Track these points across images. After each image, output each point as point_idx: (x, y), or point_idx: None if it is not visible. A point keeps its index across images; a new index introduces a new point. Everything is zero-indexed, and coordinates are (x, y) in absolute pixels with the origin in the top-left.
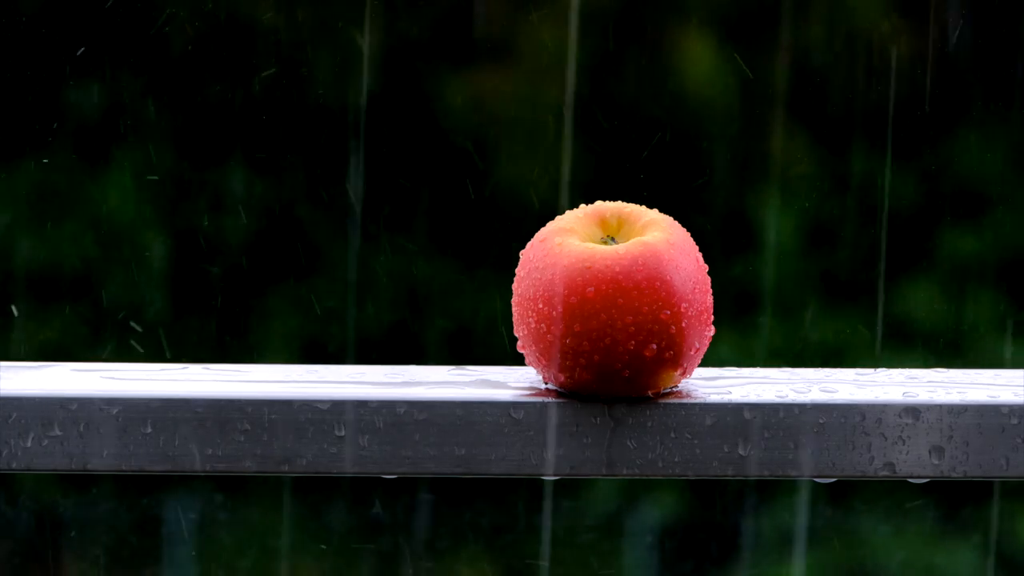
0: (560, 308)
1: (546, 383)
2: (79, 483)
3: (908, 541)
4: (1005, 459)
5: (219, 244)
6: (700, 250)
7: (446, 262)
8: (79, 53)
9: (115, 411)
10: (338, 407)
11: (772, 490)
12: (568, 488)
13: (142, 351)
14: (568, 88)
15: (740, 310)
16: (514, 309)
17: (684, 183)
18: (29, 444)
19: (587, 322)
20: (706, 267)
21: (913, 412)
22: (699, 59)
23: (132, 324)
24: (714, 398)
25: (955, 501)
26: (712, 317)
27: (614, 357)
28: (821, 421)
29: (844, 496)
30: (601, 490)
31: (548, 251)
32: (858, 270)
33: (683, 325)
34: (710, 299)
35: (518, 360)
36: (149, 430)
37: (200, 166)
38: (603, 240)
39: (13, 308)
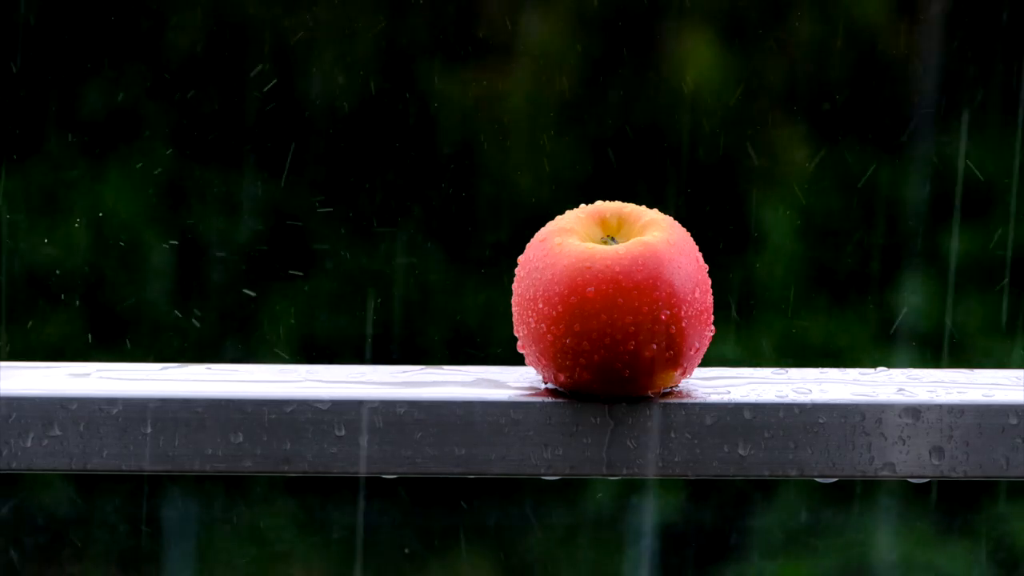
0: (560, 308)
1: (546, 383)
2: (80, 483)
3: (908, 541)
4: (1005, 459)
5: (219, 244)
6: (700, 250)
7: (446, 262)
8: (81, 54)
9: (115, 411)
10: (338, 407)
11: (772, 490)
12: (568, 488)
13: (142, 351)
14: (568, 87)
15: (740, 310)
16: (514, 309)
17: (684, 182)
18: (29, 444)
19: (587, 322)
20: (706, 267)
21: (913, 412)
22: (698, 57)
23: (132, 324)
24: (714, 398)
25: (955, 501)
26: (712, 317)
27: (614, 357)
28: (821, 421)
29: (844, 496)
30: (601, 490)
31: (548, 251)
32: (858, 269)
33: (683, 325)
34: (710, 299)
35: (518, 360)
36: (149, 430)
37: (200, 166)
38: (603, 240)
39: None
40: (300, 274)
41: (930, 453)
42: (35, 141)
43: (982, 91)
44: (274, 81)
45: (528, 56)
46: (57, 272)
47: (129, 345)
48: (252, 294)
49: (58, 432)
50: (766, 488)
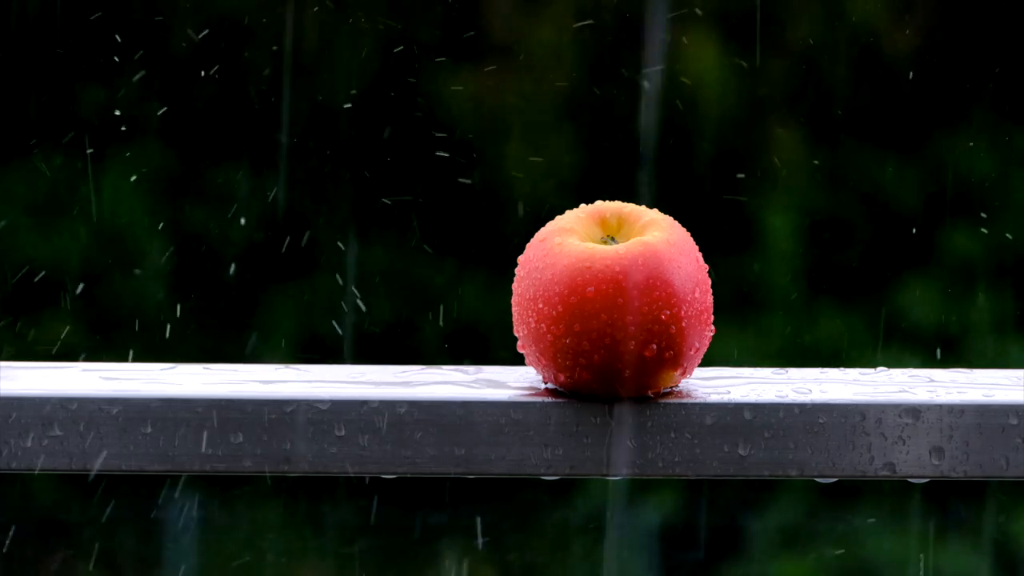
0: (560, 308)
1: (546, 383)
2: (79, 483)
3: (908, 541)
4: (1005, 459)
5: (219, 244)
6: (700, 250)
7: (446, 262)
8: (80, 53)
9: (115, 411)
10: (338, 407)
11: (772, 490)
12: (568, 488)
13: (142, 351)
14: (568, 87)
15: (740, 310)
16: (514, 309)
17: (684, 182)
18: (29, 444)
19: (587, 322)
20: (706, 267)
21: (913, 412)
22: (699, 58)
23: (132, 324)
24: (714, 398)
25: (955, 501)
26: (712, 317)
27: (614, 357)
28: (821, 421)
29: (844, 496)
30: (601, 490)
31: (548, 251)
32: (858, 269)
33: (683, 325)
34: (710, 299)
35: (518, 360)
36: (149, 430)
37: (200, 165)
38: (603, 240)
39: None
40: (300, 274)
41: (930, 453)
42: (34, 140)
43: (982, 91)
44: (274, 80)
45: (529, 56)
46: (56, 272)
47: (129, 345)
48: (252, 294)
49: (58, 432)
50: (766, 488)
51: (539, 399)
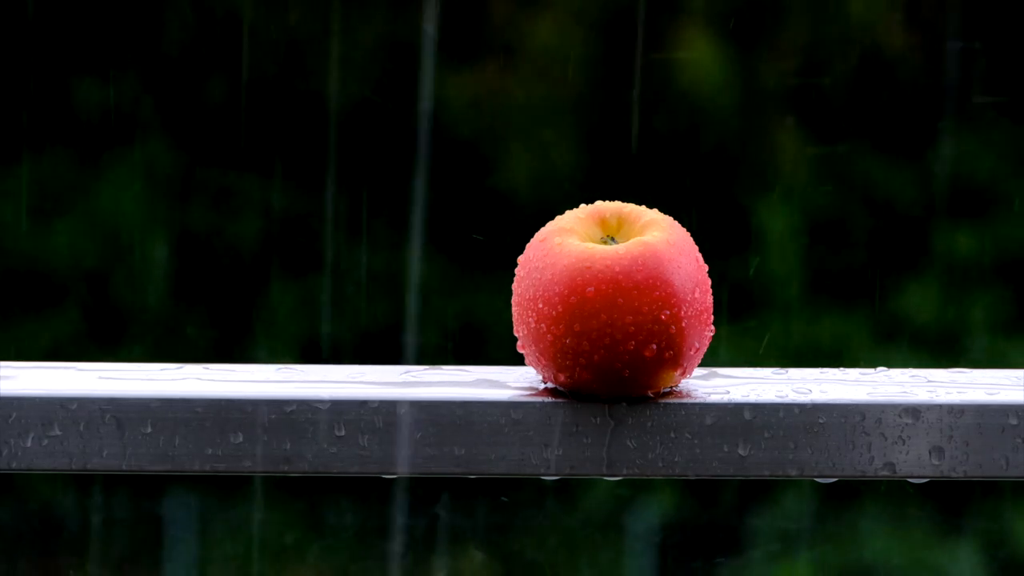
0: (560, 308)
1: (546, 383)
2: (79, 483)
3: (908, 541)
4: (1005, 459)
5: (219, 243)
6: (700, 250)
7: (446, 262)
8: (80, 52)
9: (115, 411)
10: (338, 407)
11: (772, 490)
12: (568, 488)
13: (143, 351)
14: (568, 87)
15: (739, 310)
16: (514, 309)
17: (683, 182)
18: (29, 444)
19: (587, 322)
20: (706, 267)
21: (913, 412)
22: (699, 58)
23: (132, 324)
24: (714, 398)
25: (955, 501)
26: (712, 317)
27: (614, 357)
28: (821, 421)
29: (844, 496)
30: (601, 490)
31: (548, 251)
32: (857, 270)
33: (683, 325)
34: (710, 299)
35: (518, 360)
36: (149, 430)
37: (201, 166)
38: (603, 240)
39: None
40: (301, 274)
41: (930, 453)
42: (33, 140)
43: (982, 91)
44: (275, 79)
45: (529, 56)
46: (57, 272)
47: (129, 345)
48: (252, 294)
49: (58, 432)
50: (766, 488)
51: (539, 399)
